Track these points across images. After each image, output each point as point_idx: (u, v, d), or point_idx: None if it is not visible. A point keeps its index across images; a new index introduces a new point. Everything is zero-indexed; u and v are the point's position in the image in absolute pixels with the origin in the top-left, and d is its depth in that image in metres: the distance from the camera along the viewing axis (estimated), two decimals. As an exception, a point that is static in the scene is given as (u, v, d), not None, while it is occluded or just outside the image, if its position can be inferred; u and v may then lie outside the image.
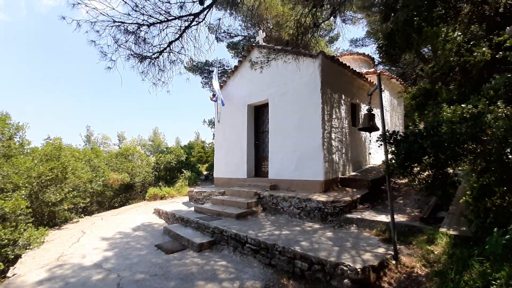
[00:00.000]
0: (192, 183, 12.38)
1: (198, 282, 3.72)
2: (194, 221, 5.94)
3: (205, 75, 14.03)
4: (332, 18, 6.25)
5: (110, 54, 4.63)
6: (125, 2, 4.32)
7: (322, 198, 5.52)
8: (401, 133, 3.67)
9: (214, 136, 11.46)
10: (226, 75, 9.62)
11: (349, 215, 5.03)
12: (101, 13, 4.27)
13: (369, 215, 5.04)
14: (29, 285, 3.97)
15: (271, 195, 6.28)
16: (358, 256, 3.48)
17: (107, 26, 4.40)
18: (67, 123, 56.38)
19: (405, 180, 6.41)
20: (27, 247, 5.94)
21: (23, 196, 7.25)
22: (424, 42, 5.39)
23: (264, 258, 4.12)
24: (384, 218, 4.74)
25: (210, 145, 18.46)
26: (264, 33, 8.34)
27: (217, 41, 13.28)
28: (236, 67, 8.87)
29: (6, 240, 5.81)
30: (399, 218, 4.68)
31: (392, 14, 5.64)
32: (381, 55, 6.32)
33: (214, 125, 11.91)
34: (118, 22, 4.43)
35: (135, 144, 29.54)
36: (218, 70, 9.80)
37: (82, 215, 9.76)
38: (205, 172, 14.59)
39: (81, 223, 8.35)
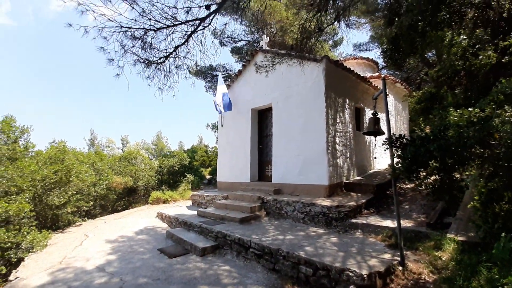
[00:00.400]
0: (195, 187, 12.36)
1: (201, 286, 3.68)
2: (197, 225, 5.91)
3: (208, 79, 14.13)
4: (336, 22, 6.27)
5: (117, 60, 4.66)
6: (133, 8, 4.35)
7: (327, 202, 5.47)
8: (407, 137, 3.64)
9: (217, 140, 11.47)
10: (229, 80, 9.67)
11: (354, 220, 4.97)
12: (108, 19, 4.30)
13: (374, 220, 4.98)
14: (32, 288, 3.96)
15: (275, 200, 6.24)
16: (363, 261, 3.42)
17: (115, 32, 4.43)
18: (69, 124, 56.82)
19: (411, 185, 6.35)
20: (30, 250, 5.92)
21: (27, 199, 7.26)
22: (429, 46, 5.39)
23: (268, 263, 4.07)
24: (390, 223, 4.68)
25: (213, 149, 18.47)
26: (268, 37, 8.39)
27: (221, 46, 13.42)
28: (240, 72, 8.92)
29: (9, 243, 5.80)
30: (405, 223, 4.61)
31: (396, 19, 5.65)
32: (385, 59, 6.32)
33: (217, 129, 11.92)
34: (126, 27, 4.46)
35: (139, 148, 29.63)
36: (222, 74, 9.84)
37: (86, 218, 9.74)
38: (208, 176, 14.57)
39: (84, 227, 8.35)
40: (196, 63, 5.22)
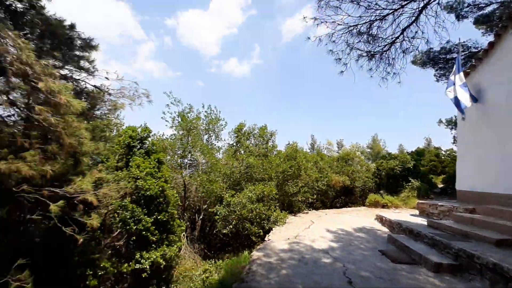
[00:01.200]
0: (422, 195, 10.55)
1: (438, 307, 2.96)
2: (427, 236, 4.95)
3: (440, 65, 11.46)
4: None
5: (344, 58, 5.03)
6: (359, 6, 4.48)
7: None
8: None
9: (455, 140, 9.06)
10: (473, 60, 7.36)
11: None
12: (338, 24, 4.70)
13: None
14: (277, 250, 5.07)
15: None
16: None
17: (342, 33, 4.80)
18: (296, 128, 67.74)
19: None
20: (275, 223, 7.70)
21: (274, 185, 9.54)
22: None
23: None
24: None
25: (448, 152, 14.90)
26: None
27: (458, 20, 10.37)
28: (491, 44, 6.50)
29: (264, 215, 7.89)
30: None
31: None
32: None
33: (454, 125, 9.45)
34: (352, 26, 4.70)
35: (354, 150, 30.17)
36: (461, 55, 7.72)
37: (310, 208, 11.25)
38: (440, 185, 11.99)
39: (310, 215, 9.65)
40: (427, 40, 4.44)
